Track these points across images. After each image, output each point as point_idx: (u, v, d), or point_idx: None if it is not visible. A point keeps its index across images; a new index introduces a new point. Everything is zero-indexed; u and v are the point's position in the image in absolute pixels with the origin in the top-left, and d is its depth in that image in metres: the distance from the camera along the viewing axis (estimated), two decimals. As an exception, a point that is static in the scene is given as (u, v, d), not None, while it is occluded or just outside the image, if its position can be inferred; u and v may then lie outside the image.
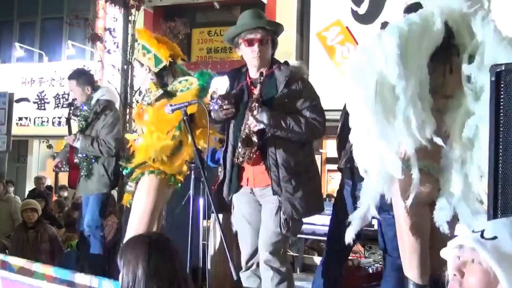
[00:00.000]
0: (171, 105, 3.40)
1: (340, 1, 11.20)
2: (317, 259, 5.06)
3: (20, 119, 13.70)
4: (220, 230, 3.13)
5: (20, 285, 3.60)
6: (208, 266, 4.42)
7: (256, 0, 11.52)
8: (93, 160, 4.81)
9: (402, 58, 2.43)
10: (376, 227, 3.82)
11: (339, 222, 3.63)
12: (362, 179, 3.46)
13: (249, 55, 3.23)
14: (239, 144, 3.14)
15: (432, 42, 2.54)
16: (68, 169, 5.20)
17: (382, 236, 3.45)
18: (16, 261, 3.78)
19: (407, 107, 2.43)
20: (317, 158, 11.26)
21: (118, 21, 9.88)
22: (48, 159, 14.52)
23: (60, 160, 5.30)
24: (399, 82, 2.42)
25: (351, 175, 3.50)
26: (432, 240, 2.73)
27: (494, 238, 1.34)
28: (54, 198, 10.93)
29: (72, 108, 5.18)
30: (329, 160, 12.15)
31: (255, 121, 3.08)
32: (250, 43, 3.19)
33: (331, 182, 12.50)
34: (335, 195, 3.86)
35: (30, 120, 13.84)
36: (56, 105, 13.63)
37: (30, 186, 12.98)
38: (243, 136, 3.11)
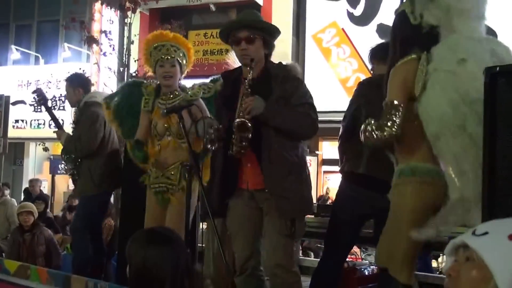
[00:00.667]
0: (166, 108, 3.40)
1: (336, 3, 11.23)
2: (314, 260, 5.05)
3: (17, 121, 13.68)
4: (216, 233, 3.13)
5: (16, 288, 3.60)
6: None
7: (252, 2, 11.53)
8: (78, 161, 4.77)
9: None
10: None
11: (338, 224, 3.65)
12: (362, 182, 3.51)
13: (237, 53, 3.23)
14: (234, 131, 3.06)
15: None
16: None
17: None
18: (12, 264, 3.78)
19: None
20: (313, 159, 11.31)
21: (114, 24, 9.90)
22: (45, 162, 14.51)
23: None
24: None
25: (353, 178, 3.51)
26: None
27: (485, 233, 1.35)
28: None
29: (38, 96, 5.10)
30: (325, 162, 12.19)
31: (250, 104, 3.03)
32: (237, 41, 3.18)
33: (327, 184, 12.54)
34: (333, 196, 3.88)
35: (26, 122, 13.83)
36: (52, 108, 13.56)
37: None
38: (238, 122, 3.05)
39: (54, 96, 13.52)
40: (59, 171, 13.39)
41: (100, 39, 9.26)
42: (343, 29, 11.16)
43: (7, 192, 9.88)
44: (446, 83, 2.47)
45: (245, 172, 3.22)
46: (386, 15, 9.69)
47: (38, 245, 6.15)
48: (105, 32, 8.91)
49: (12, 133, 13.75)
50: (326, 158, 12.17)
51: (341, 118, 3.72)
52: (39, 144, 13.45)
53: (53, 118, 5.06)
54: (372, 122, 2.61)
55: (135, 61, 8.84)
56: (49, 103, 5.17)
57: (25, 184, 13.38)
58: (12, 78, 13.99)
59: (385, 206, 2.82)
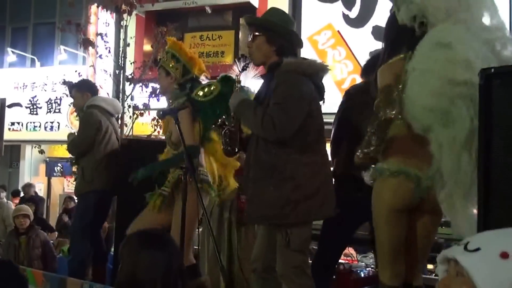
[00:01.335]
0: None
1: (331, 5, 11.24)
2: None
3: (13, 124, 13.64)
4: (211, 236, 3.13)
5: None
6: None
7: (247, 4, 11.54)
8: (73, 161, 4.97)
9: None
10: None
11: (331, 226, 3.66)
12: (354, 186, 3.51)
13: None
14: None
15: None
16: None
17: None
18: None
19: None
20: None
21: (110, 26, 9.89)
22: (41, 164, 14.47)
23: None
24: None
25: (347, 181, 3.51)
26: (413, 248, 2.74)
27: (477, 249, 1.34)
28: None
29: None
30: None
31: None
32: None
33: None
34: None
35: (22, 125, 13.79)
36: (48, 110, 13.58)
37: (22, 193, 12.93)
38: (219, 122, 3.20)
39: (50, 99, 13.50)
40: (55, 174, 13.38)
41: (96, 41, 9.25)
42: (338, 31, 11.16)
43: (3, 194, 9.86)
44: (423, 77, 2.44)
45: None
46: (382, 17, 9.69)
47: (34, 248, 6.13)
48: (101, 34, 8.91)
49: (8, 135, 13.71)
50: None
51: (337, 120, 3.76)
52: (35, 147, 13.43)
53: None
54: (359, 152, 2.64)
55: (131, 63, 8.84)
56: None
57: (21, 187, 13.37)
58: (8, 80, 13.96)
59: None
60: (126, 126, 8.22)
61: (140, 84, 8.42)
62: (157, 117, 3.64)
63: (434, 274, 5.58)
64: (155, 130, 8.41)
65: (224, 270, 2.92)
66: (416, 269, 2.80)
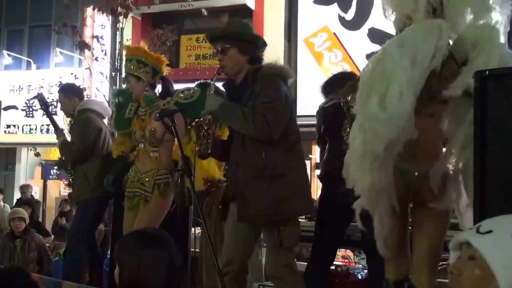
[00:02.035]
0: (158, 112, 3.42)
1: (328, 7, 11.26)
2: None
3: (8, 126, 13.60)
4: (208, 238, 3.13)
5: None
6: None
7: (243, 7, 11.55)
8: (69, 167, 4.83)
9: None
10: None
11: (319, 227, 3.70)
12: (328, 178, 3.58)
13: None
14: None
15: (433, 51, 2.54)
16: None
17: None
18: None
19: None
20: (307, 163, 11.30)
21: (106, 29, 9.89)
22: (37, 167, 14.43)
23: None
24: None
25: (322, 178, 3.57)
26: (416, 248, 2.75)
27: (489, 232, 1.34)
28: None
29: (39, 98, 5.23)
30: (319, 166, 12.17)
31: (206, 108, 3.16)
32: (216, 52, 3.28)
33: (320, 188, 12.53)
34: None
35: (18, 127, 13.76)
36: (44, 113, 13.53)
37: (18, 194, 12.89)
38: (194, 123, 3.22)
39: (46, 101, 13.47)
40: (50, 176, 13.33)
41: (92, 44, 9.25)
42: (334, 33, 11.18)
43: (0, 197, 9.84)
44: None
45: None
46: (378, 19, 9.71)
47: (30, 251, 6.11)
48: (97, 37, 8.91)
49: (3, 138, 13.72)
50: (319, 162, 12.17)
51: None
52: (30, 149, 13.41)
53: (53, 122, 5.11)
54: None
55: (127, 66, 8.83)
56: (50, 108, 5.29)
57: (17, 190, 13.33)
58: (4, 83, 13.92)
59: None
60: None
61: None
62: (154, 119, 3.64)
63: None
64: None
65: (222, 274, 2.91)
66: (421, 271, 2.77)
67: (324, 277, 3.69)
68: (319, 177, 3.80)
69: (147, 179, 3.82)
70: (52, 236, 8.40)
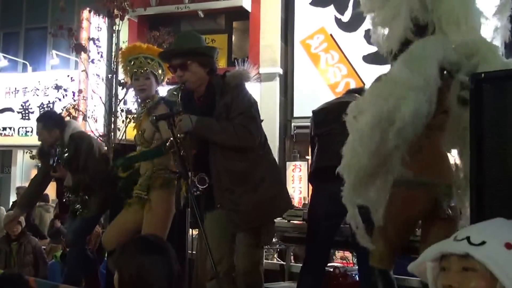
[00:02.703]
0: (155, 115, 3.41)
1: (324, 9, 11.27)
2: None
3: (4, 129, 13.59)
4: (205, 240, 3.12)
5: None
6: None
7: (240, 8, 11.55)
8: (86, 197, 4.63)
9: None
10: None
11: (310, 227, 3.71)
12: (317, 176, 3.62)
13: (177, 78, 3.36)
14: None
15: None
16: None
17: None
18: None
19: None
20: (304, 164, 11.29)
21: (102, 31, 9.87)
22: (32, 170, 14.39)
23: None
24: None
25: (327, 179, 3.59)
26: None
27: (483, 243, 1.34)
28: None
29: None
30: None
31: (178, 123, 3.16)
32: (174, 69, 3.34)
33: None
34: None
35: (14, 130, 13.73)
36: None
37: (14, 197, 12.86)
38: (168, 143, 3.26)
39: (42, 104, 13.45)
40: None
41: (88, 46, 9.23)
42: (331, 35, 11.20)
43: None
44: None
45: None
46: (374, 21, 9.73)
47: (26, 254, 6.10)
48: (93, 39, 8.89)
49: (-1, 140, 13.71)
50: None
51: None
52: (26, 152, 13.38)
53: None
54: None
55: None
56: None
57: (13, 192, 13.29)
58: (0, 85, 13.90)
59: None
60: (119, 130, 8.20)
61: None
62: (151, 122, 3.62)
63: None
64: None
65: (219, 277, 2.91)
66: None
67: (318, 278, 3.69)
68: (309, 174, 3.91)
69: (143, 181, 3.80)
70: (48, 239, 8.36)
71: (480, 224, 1.47)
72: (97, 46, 8.62)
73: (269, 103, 10.70)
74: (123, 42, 8.89)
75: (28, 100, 13.68)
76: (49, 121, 4.77)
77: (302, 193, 10.83)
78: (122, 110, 8.31)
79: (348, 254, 5.66)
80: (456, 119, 2.61)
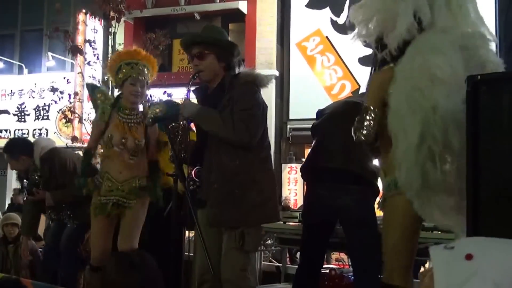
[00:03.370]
0: (151, 118, 3.41)
1: (320, 11, 11.31)
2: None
3: (0, 131, 13.55)
4: (202, 242, 3.12)
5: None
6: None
7: (236, 11, 11.57)
8: (70, 213, 4.61)
9: None
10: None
11: (304, 229, 3.71)
12: (309, 176, 3.64)
13: (193, 67, 3.32)
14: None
15: None
16: None
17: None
18: (-4, 276, 3.74)
19: None
20: (299, 166, 11.34)
21: (98, 33, 9.88)
22: (29, 172, 14.37)
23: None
24: None
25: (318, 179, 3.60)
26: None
27: (451, 248, 1.36)
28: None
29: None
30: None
31: (182, 108, 3.18)
32: (191, 57, 3.28)
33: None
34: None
35: (10, 132, 13.71)
36: (36, 117, 13.53)
37: (10, 199, 12.84)
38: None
39: (38, 106, 13.44)
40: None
41: (84, 48, 9.23)
42: (327, 37, 11.23)
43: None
44: (403, 88, 2.48)
45: None
46: (370, 23, 9.77)
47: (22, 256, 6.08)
48: (89, 41, 8.90)
49: (-5, 143, 13.67)
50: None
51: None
52: (22, 154, 13.39)
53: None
54: (355, 122, 2.63)
55: (119, 70, 8.81)
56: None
57: (9, 194, 13.26)
58: (-5, 88, 13.91)
59: (344, 204, 3.20)
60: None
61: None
62: (146, 125, 3.60)
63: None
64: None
65: (216, 278, 2.90)
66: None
67: (314, 280, 3.69)
68: (300, 168, 3.85)
69: (127, 187, 3.70)
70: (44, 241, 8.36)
71: (480, 238, 1.47)
72: (93, 48, 8.63)
73: (265, 105, 10.72)
74: (119, 44, 8.91)
75: (24, 102, 13.67)
76: (14, 150, 4.78)
77: (298, 195, 10.85)
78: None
79: (343, 255, 5.67)
80: None
